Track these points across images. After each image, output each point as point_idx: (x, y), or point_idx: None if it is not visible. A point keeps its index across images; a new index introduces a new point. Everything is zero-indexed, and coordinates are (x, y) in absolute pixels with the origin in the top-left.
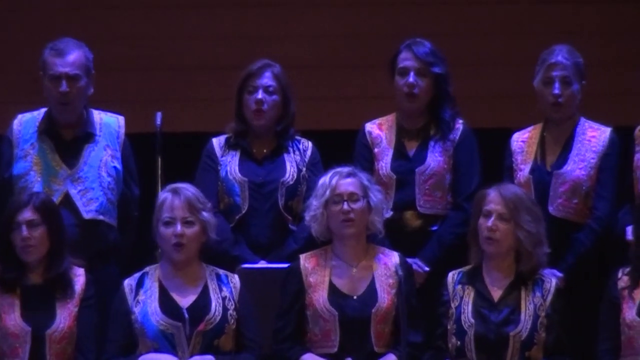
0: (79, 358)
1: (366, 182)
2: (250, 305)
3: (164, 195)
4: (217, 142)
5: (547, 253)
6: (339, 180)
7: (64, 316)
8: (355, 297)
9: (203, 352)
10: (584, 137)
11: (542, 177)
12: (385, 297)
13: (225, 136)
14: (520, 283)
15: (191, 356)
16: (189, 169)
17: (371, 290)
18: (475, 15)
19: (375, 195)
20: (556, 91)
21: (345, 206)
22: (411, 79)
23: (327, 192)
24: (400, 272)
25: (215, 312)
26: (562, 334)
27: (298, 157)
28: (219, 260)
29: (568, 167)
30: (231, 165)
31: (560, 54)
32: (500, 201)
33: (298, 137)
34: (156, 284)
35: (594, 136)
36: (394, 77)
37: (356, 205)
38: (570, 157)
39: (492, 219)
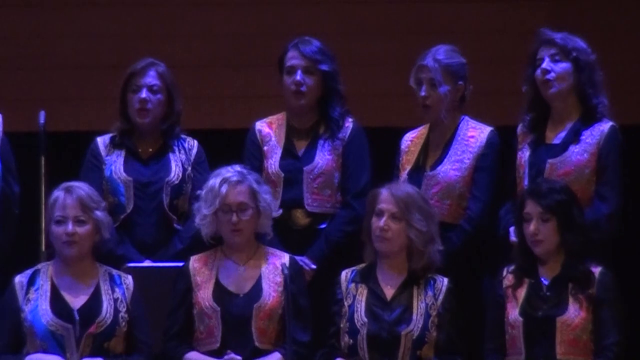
0: None
1: (255, 186)
2: (141, 306)
3: (57, 193)
4: (102, 141)
5: (440, 250)
6: (229, 189)
7: None
8: (241, 295)
9: (92, 355)
10: (463, 137)
11: (418, 179)
12: (271, 294)
13: (110, 135)
14: (412, 282)
15: (81, 358)
16: (73, 168)
17: (257, 288)
18: (362, 15)
19: (264, 200)
20: (422, 93)
21: (234, 218)
22: (298, 77)
23: (217, 201)
24: (286, 271)
25: (106, 315)
26: (453, 333)
27: (183, 156)
28: (105, 259)
29: (442, 168)
30: (116, 164)
31: (430, 57)
32: (392, 200)
33: (183, 136)
34: (48, 283)
35: (472, 136)
36: (282, 76)
37: (245, 216)
38: (445, 158)
39: (384, 218)
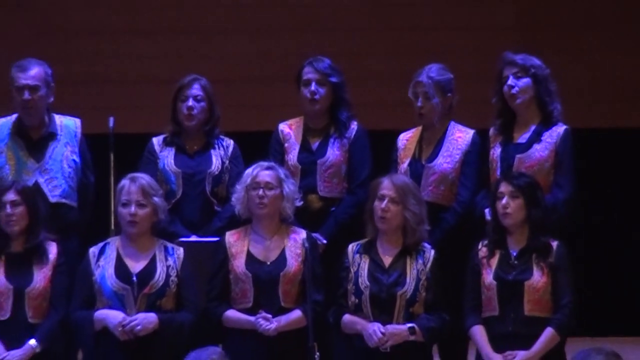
0: (52, 312)
1: (282, 176)
2: (190, 272)
3: (123, 182)
4: (157, 140)
5: (427, 230)
6: (259, 171)
7: (40, 278)
8: (268, 263)
9: (147, 311)
10: (452, 137)
11: (417, 169)
12: (293, 263)
13: (163, 136)
14: (406, 253)
15: (137, 313)
16: (135, 162)
17: (282, 258)
18: (364, 38)
19: (289, 187)
20: (419, 104)
21: (261, 192)
22: (313, 88)
23: (249, 180)
24: (306, 245)
25: (158, 278)
26: (439, 293)
27: (222, 152)
28: (161, 235)
29: (438, 161)
30: (168, 159)
31: (424, 74)
32: (392, 187)
33: (222, 136)
34: (115, 252)
35: (460, 136)
36: (299, 87)
37: (270, 193)
38: (440, 153)
39: (385, 202)
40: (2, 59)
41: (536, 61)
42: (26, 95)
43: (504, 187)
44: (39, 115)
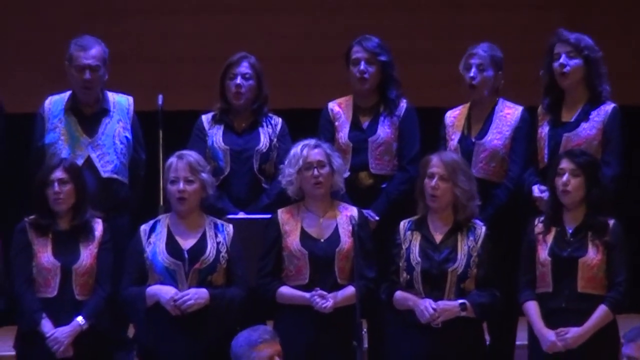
0: (98, 288)
1: (329, 151)
2: (239, 249)
3: (171, 159)
4: (206, 118)
5: (478, 205)
6: (309, 151)
7: (86, 255)
8: (322, 240)
9: (198, 286)
10: (501, 114)
11: (467, 146)
12: (346, 240)
13: (212, 113)
14: (457, 229)
15: (188, 288)
16: (183, 139)
17: (335, 235)
18: (413, 19)
19: (337, 161)
20: (472, 74)
21: (315, 172)
22: (362, 67)
23: (300, 161)
24: (354, 221)
25: (209, 254)
26: (490, 269)
27: (270, 130)
28: (209, 211)
29: (488, 138)
30: (216, 136)
31: (480, 47)
32: (441, 165)
33: (270, 114)
34: (165, 229)
35: (509, 113)
36: (349, 67)
37: (323, 170)
38: (489, 130)
39: (435, 179)
40: (53, 39)
41: (589, 42)
42: (87, 75)
43: (565, 164)
44: (96, 93)
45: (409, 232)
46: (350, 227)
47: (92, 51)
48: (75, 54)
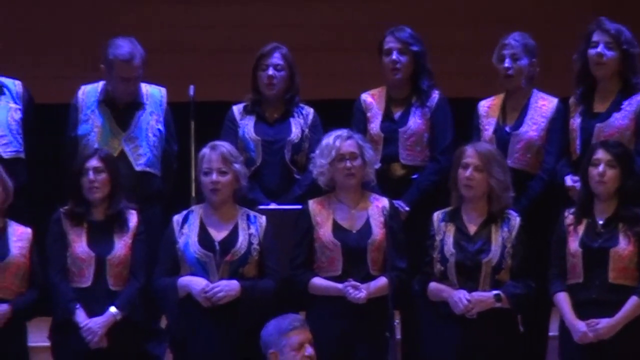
0: (132, 279)
1: (361, 142)
2: (272, 240)
3: (204, 150)
4: (237, 109)
5: (512, 196)
6: (342, 142)
7: (121, 246)
8: (354, 232)
9: (230, 278)
10: (536, 105)
11: (502, 137)
12: (378, 231)
13: (243, 104)
14: (491, 220)
15: (219, 280)
16: (215, 130)
17: (367, 226)
18: (445, 7)
19: (369, 152)
20: (506, 65)
21: (348, 163)
22: (394, 56)
23: (333, 152)
24: (387, 212)
25: (241, 246)
26: (524, 260)
27: (302, 121)
28: (240, 202)
29: (523, 129)
30: (248, 127)
31: (512, 37)
32: (475, 155)
33: (302, 105)
34: (198, 220)
35: (544, 104)
36: (381, 57)
37: (356, 162)
38: (525, 121)
39: (470, 170)
40: (85, 28)
41: (629, 35)
42: (129, 84)
43: (601, 155)
44: (134, 93)
45: (442, 224)
46: (382, 218)
47: (135, 62)
48: (118, 64)
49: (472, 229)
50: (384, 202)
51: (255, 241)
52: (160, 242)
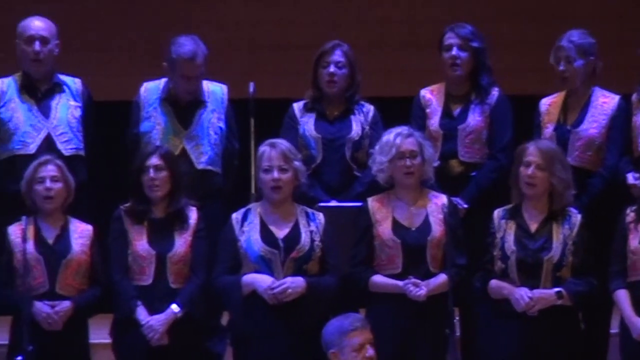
0: (193, 277)
1: (421, 140)
2: (332, 237)
3: (263, 148)
4: (297, 106)
5: (573, 194)
6: (402, 140)
7: (181, 243)
8: (413, 229)
9: (294, 275)
10: (597, 102)
11: (563, 134)
12: (437, 228)
13: (304, 101)
14: (552, 218)
15: (285, 277)
16: (275, 127)
17: (426, 223)
18: (506, 5)
19: (428, 151)
20: (561, 68)
21: (408, 162)
22: (454, 53)
23: (393, 150)
24: (446, 209)
25: (305, 243)
26: (586, 258)
27: (362, 118)
28: (300, 200)
29: (584, 127)
30: (308, 124)
31: (566, 38)
32: (538, 154)
33: (362, 102)
34: (258, 218)
35: (605, 102)
36: (441, 53)
37: (415, 161)
38: (586, 119)
39: (532, 168)
40: (147, 26)
41: None
42: (191, 83)
43: None
44: (196, 90)
45: (503, 221)
46: (441, 216)
47: (198, 61)
48: (181, 63)
49: (533, 226)
50: (443, 199)
51: (317, 238)
52: (218, 240)
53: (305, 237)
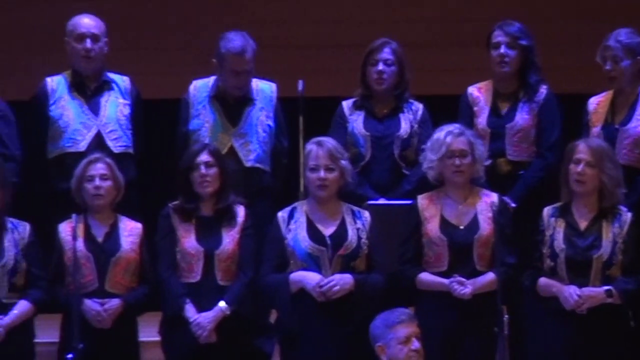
0: (240, 274)
1: (472, 139)
2: (378, 234)
3: (310, 146)
4: (346, 104)
5: (623, 192)
6: (452, 139)
7: (229, 241)
8: (462, 227)
9: (342, 272)
10: None
11: (610, 133)
12: (486, 227)
13: (353, 99)
14: (602, 216)
15: (333, 274)
16: (323, 125)
17: (474, 222)
18: (556, 3)
19: (479, 149)
20: (608, 67)
21: (457, 161)
22: (502, 50)
23: (443, 148)
24: (495, 207)
25: (352, 240)
26: (636, 256)
27: (411, 116)
28: (349, 198)
29: (632, 125)
30: (357, 122)
31: (613, 38)
32: (587, 151)
33: (411, 100)
34: (304, 216)
35: None
36: (490, 50)
37: (465, 160)
38: (634, 117)
39: (582, 165)
40: (198, 24)
41: None
42: (241, 78)
43: None
44: (247, 88)
45: (552, 219)
46: (491, 214)
47: (247, 55)
48: (230, 57)
49: (582, 224)
50: (493, 197)
51: (363, 235)
52: (265, 238)
53: (352, 235)
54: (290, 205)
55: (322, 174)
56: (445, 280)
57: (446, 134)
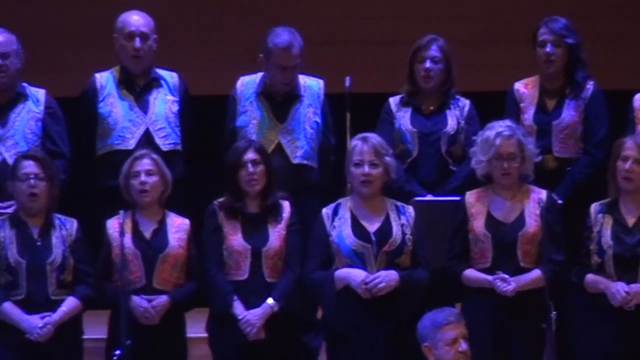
0: (287, 270)
1: (522, 139)
2: (422, 230)
3: (355, 142)
4: (393, 101)
5: None
6: (502, 141)
7: (275, 237)
8: (508, 224)
9: (387, 268)
10: None
11: None
12: (532, 223)
13: (400, 96)
14: None
15: (378, 271)
16: (370, 122)
17: (521, 218)
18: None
19: (529, 149)
20: None
21: (505, 164)
22: (548, 49)
23: (492, 150)
24: (543, 204)
25: (396, 236)
26: None
27: (458, 113)
28: (396, 194)
29: None
30: (404, 119)
31: None
32: (635, 148)
33: (458, 97)
34: (348, 213)
35: None
36: (535, 48)
37: (514, 163)
38: None
39: (630, 162)
40: (246, 21)
41: None
42: (287, 73)
43: None
44: (293, 83)
45: (600, 215)
46: (539, 211)
47: (294, 50)
48: (277, 52)
49: (630, 221)
50: (542, 194)
51: (408, 231)
52: (310, 235)
53: (396, 231)
54: (335, 201)
55: (366, 169)
56: (489, 277)
57: (496, 135)
